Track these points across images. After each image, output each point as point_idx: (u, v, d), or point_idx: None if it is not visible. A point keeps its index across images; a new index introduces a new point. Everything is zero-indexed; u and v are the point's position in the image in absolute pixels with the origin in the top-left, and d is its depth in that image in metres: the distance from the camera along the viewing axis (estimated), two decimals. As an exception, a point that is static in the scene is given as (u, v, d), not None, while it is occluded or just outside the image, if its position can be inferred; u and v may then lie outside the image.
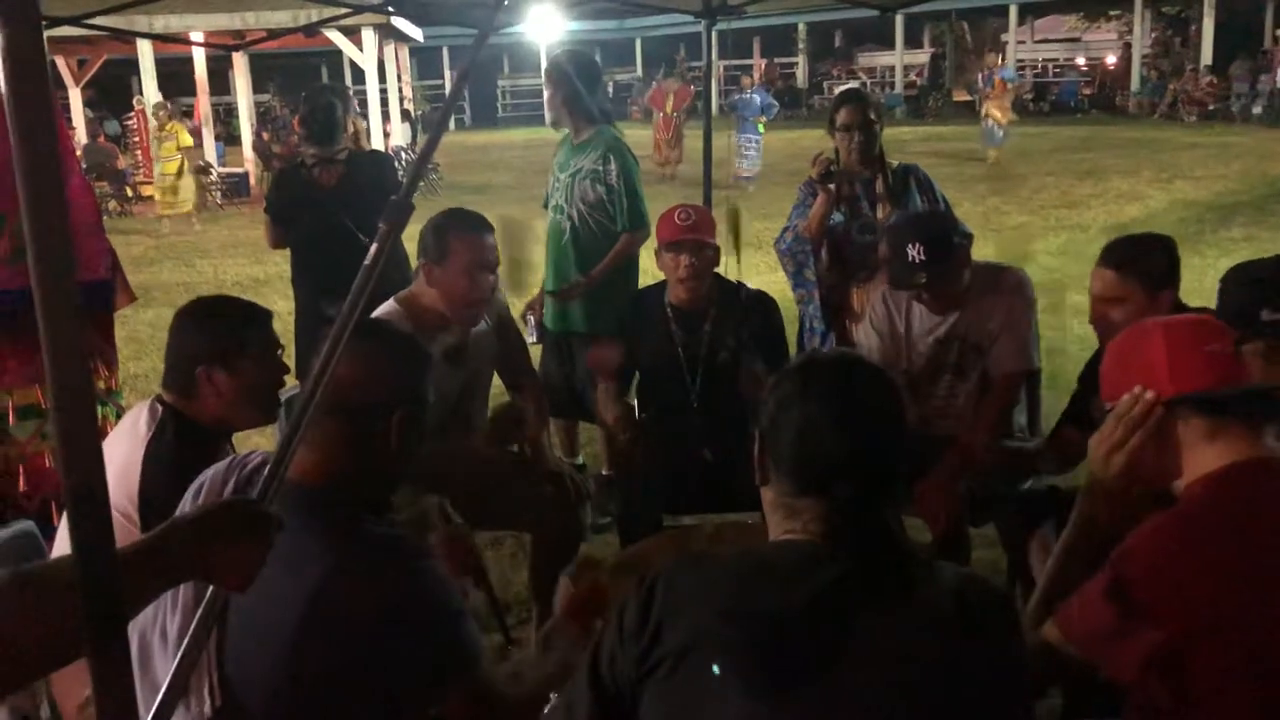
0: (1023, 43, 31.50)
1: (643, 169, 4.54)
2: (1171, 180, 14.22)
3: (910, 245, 3.13)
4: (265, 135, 19.14)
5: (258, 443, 4.99)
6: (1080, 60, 31.72)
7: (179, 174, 13.97)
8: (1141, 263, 2.76)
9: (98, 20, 4.45)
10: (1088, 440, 2.94)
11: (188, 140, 14.17)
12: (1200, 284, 2.82)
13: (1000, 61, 19.23)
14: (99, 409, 3.46)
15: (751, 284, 3.65)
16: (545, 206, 4.51)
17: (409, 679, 1.64)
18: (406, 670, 1.63)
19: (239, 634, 1.65)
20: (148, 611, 1.72)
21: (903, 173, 4.01)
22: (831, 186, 3.87)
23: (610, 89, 34.80)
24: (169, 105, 14.62)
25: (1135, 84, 27.49)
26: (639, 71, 34.77)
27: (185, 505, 1.80)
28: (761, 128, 15.09)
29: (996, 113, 16.70)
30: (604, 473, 4.57)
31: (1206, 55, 25.28)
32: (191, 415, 2.31)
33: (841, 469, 1.46)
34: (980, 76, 17.41)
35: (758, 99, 15.17)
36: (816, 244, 3.99)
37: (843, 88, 13.78)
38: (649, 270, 3.99)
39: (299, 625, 1.59)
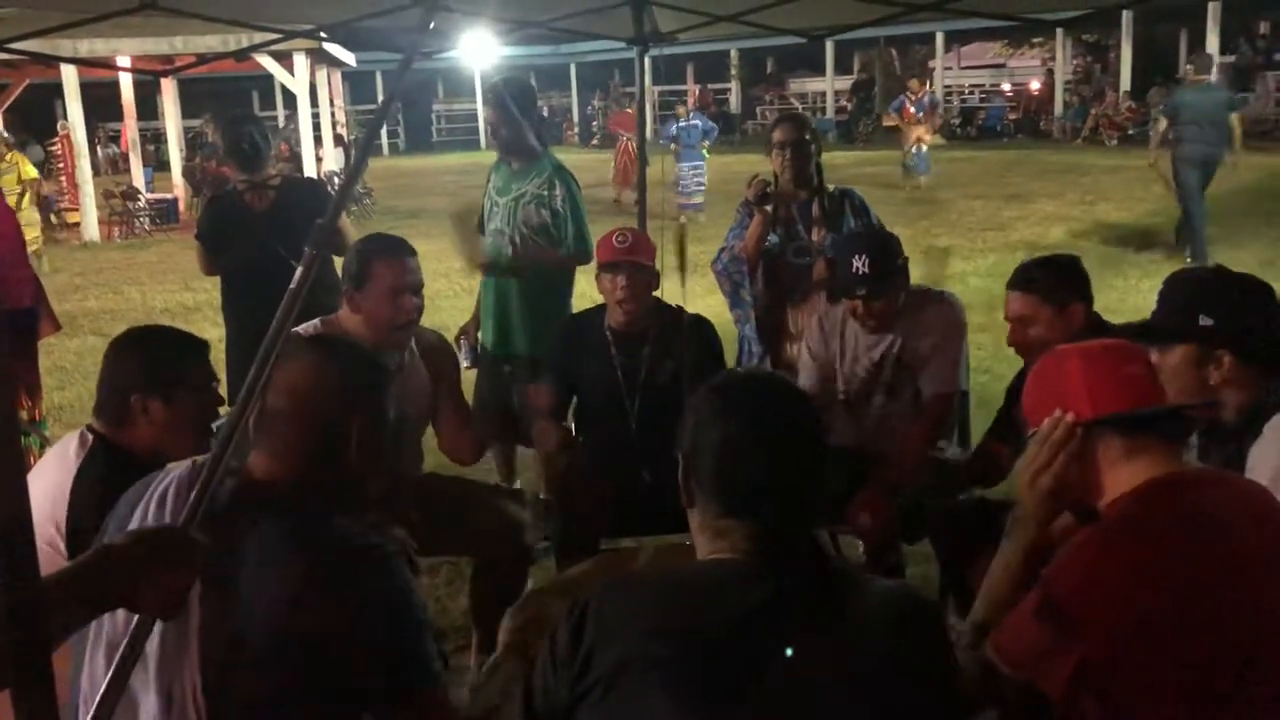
0: (949, 69, 32.16)
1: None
2: (1095, 203, 14.58)
3: (856, 256, 3.22)
4: (198, 159, 18.85)
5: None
6: (1005, 86, 32.40)
7: (19, 208, 13.42)
8: (1044, 280, 2.89)
9: (20, 45, 4.35)
10: (1011, 454, 3.03)
11: (31, 172, 13.71)
12: (1123, 303, 2.92)
13: (928, 87, 19.21)
14: (21, 439, 3.39)
15: (690, 307, 3.68)
16: (480, 231, 4.50)
17: (373, 683, 1.64)
18: (371, 674, 1.63)
19: (220, 642, 1.63)
20: (118, 626, 1.68)
21: (839, 196, 4.08)
22: (768, 208, 3.92)
23: (545, 113, 35.02)
24: (7, 134, 14.17)
25: (1058, 109, 28.20)
26: (574, 96, 34.88)
27: (148, 509, 1.77)
28: (706, 153, 15.03)
29: (927, 138, 16.73)
30: (541, 497, 4.55)
31: (1125, 81, 26.01)
32: (122, 444, 2.28)
33: (764, 489, 1.48)
34: (909, 101, 17.31)
35: (699, 124, 15.10)
36: (752, 265, 4.04)
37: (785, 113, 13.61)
38: (588, 296, 4.00)
39: (279, 627, 1.59)
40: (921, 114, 16.81)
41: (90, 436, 2.29)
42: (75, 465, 2.23)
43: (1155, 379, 1.75)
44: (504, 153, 4.33)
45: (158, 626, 1.67)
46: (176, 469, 1.84)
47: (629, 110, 17.77)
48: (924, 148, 16.74)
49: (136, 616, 1.66)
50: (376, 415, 1.83)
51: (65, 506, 2.16)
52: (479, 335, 4.49)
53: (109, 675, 1.35)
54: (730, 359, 3.96)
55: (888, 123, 30.81)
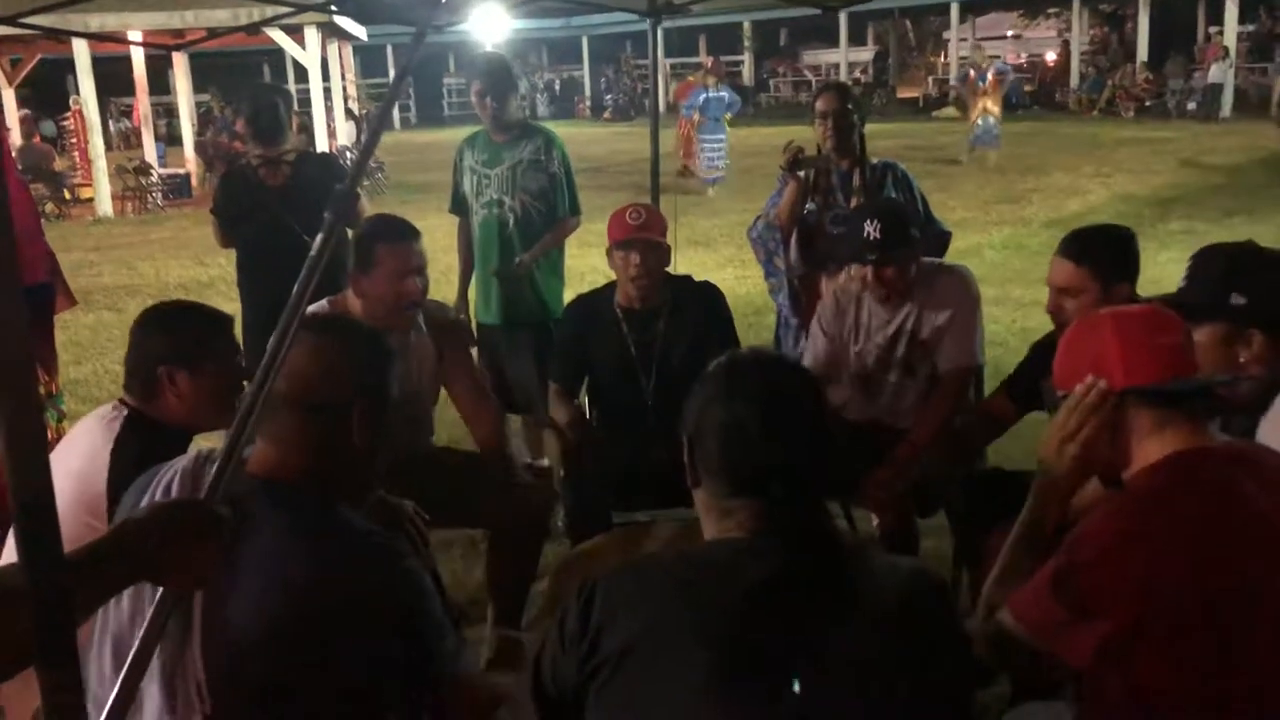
0: (964, 40, 31.89)
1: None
2: (1111, 175, 14.48)
3: (869, 222, 3.20)
4: (209, 134, 18.87)
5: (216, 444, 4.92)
6: (1021, 57, 32.17)
7: None
8: (1099, 255, 2.79)
9: (31, 19, 4.34)
10: (1017, 410, 3.02)
11: None
12: (1141, 276, 2.88)
13: (986, 57, 17.72)
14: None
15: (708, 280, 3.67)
16: (453, 210, 4.55)
17: (387, 675, 1.64)
18: (384, 666, 1.63)
19: (224, 635, 1.62)
20: (123, 619, 1.69)
21: (881, 169, 4.05)
22: (801, 174, 3.89)
23: (558, 86, 34.84)
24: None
25: (1074, 80, 27.96)
26: (585, 69, 34.75)
27: (154, 500, 1.76)
28: (727, 125, 14.65)
29: (995, 109, 15.96)
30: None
31: (1142, 52, 25.78)
32: (154, 416, 2.31)
33: (770, 467, 1.48)
34: (972, 73, 16.72)
35: (726, 95, 14.62)
36: (786, 233, 4.01)
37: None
38: (585, 272, 3.99)
39: (285, 621, 1.58)
40: (984, 84, 16.01)
41: (124, 409, 2.32)
42: (112, 436, 2.25)
43: (1190, 351, 1.73)
44: (494, 126, 4.35)
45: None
46: (180, 460, 1.83)
47: (691, 80, 17.22)
48: (991, 120, 15.88)
49: (144, 614, 1.66)
50: (379, 395, 1.80)
51: (104, 477, 2.17)
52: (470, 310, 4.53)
53: (121, 675, 1.34)
54: (769, 329, 3.93)
55: (902, 94, 30.73)
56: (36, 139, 17.76)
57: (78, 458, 2.23)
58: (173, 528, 1.37)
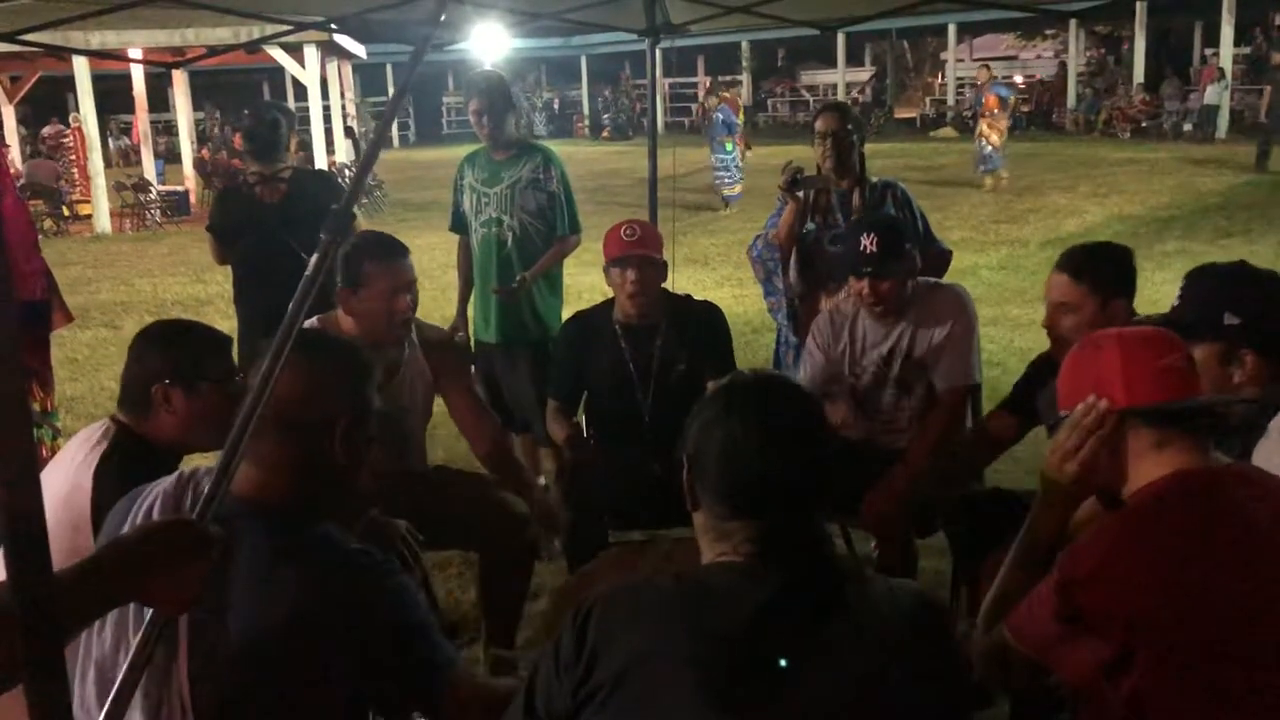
0: (961, 61, 32.05)
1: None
2: (1107, 195, 14.52)
3: (865, 235, 3.22)
4: (205, 153, 18.92)
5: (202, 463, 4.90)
6: (1018, 78, 32.32)
7: None
8: (1096, 271, 2.80)
9: (32, 36, 4.34)
10: (1018, 425, 3.01)
11: None
12: (1138, 296, 2.88)
13: (990, 76, 17.33)
14: (33, 431, 3.40)
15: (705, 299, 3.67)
16: (454, 229, 4.56)
17: (390, 690, 1.63)
18: (378, 684, 1.62)
19: (210, 657, 1.60)
20: (106, 647, 1.67)
21: (881, 188, 4.05)
22: (799, 194, 3.90)
23: (556, 105, 34.95)
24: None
25: (1071, 101, 28.08)
26: (584, 89, 34.89)
27: (136, 522, 1.75)
28: (730, 146, 14.78)
29: (992, 135, 15.55)
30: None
31: (1139, 74, 25.89)
32: (145, 434, 2.29)
33: (768, 489, 1.48)
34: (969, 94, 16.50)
35: (719, 117, 14.86)
36: (785, 252, 4.02)
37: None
38: (584, 290, 3.99)
39: (271, 643, 1.57)
40: (980, 108, 15.80)
41: (113, 426, 2.30)
42: (98, 454, 2.23)
43: (1193, 372, 1.73)
44: (493, 145, 4.36)
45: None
46: (162, 482, 1.81)
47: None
48: (986, 144, 15.52)
49: (128, 641, 1.63)
50: (360, 411, 1.79)
51: (88, 496, 2.16)
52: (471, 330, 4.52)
53: (110, 699, 1.33)
54: (767, 348, 3.94)
55: (900, 115, 30.84)
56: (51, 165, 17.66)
57: (65, 476, 2.21)
58: (165, 547, 1.36)
